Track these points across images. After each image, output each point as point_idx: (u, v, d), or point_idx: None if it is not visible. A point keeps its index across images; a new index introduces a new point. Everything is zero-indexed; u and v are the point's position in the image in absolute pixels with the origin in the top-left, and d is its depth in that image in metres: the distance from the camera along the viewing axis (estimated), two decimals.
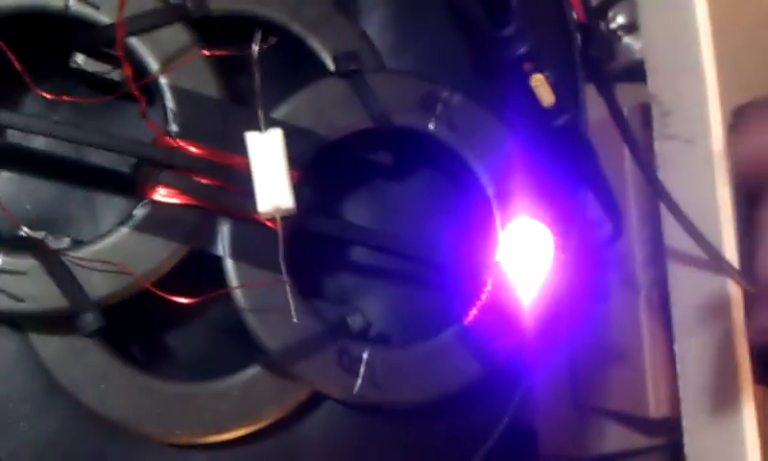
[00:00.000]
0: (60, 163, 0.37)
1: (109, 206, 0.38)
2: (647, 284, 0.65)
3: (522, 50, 0.38)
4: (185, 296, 0.35)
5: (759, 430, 0.55)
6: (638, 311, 0.65)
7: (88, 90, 0.37)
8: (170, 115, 0.36)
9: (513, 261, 0.36)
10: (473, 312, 0.39)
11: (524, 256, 0.36)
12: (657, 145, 0.60)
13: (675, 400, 0.61)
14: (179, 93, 0.36)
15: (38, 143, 0.37)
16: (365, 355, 0.37)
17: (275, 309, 0.36)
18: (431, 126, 0.38)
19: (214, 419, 0.37)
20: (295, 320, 0.35)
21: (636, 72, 0.64)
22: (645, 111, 0.63)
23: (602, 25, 0.76)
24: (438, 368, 0.38)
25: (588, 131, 0.42)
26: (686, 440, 0.58)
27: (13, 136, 0.37)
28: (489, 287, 0.39)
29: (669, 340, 0.61)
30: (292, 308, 0.34)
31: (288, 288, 0.34)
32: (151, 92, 0.36)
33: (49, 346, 0.36)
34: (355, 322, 0.38)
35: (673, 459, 0.65)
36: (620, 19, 0.75)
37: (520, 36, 0.38)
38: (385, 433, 0.41)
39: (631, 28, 0.71)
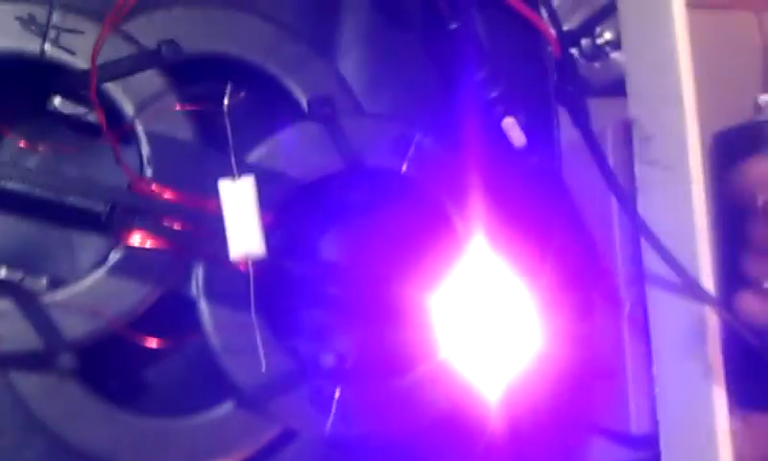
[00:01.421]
0: (38, 205, 0.38)
1: (87, 244, 0.39)
2: (630, 302, 0.65)
3: (494, 93, 0.38)
4: (159, 335, 0.36)
5: (732, 453, 0.56)
6: (621, 329, 0.65)
7: (66, 132, 0.38)
8: (145, 160, 0.36)
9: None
10: (444, 350, 0.39)
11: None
12: (637, 169, 0.60)
13: (656, 417, 0.62)
14: (153, 138, 0.36)
15: (17, 186, 0.37)
16: (336, 393, 0.38)
17: (247, 349, 0.37)
18: (403, 167, 0.39)
19: (189, 454, 0.38)
20: (263, 370, 0.35)
21: (622, 87, 0.64)
22: (629, 129, 0.64)
23: (588, 40, 0.76)
24: (409, 405, 0.39)
25: (560, 168, 0.43)
26: (663, 453, 0.59)
27: None
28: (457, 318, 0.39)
29: (651, 357, 0.61)
30: (261, 358, 0.35)
31: (258, 337, 0.35)
32: (127, 135, 0.37)
33: (27, 382, 0.36)
34: (327, 360, 0.39)
35: None
36: (607, 35, 0.76)
37: (493, 80, 0.38)
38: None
39: (617, 44, 0.71)
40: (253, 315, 0.35)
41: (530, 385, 0.72)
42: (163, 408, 0.39)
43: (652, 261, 0.60)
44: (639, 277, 0.63)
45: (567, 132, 0.46)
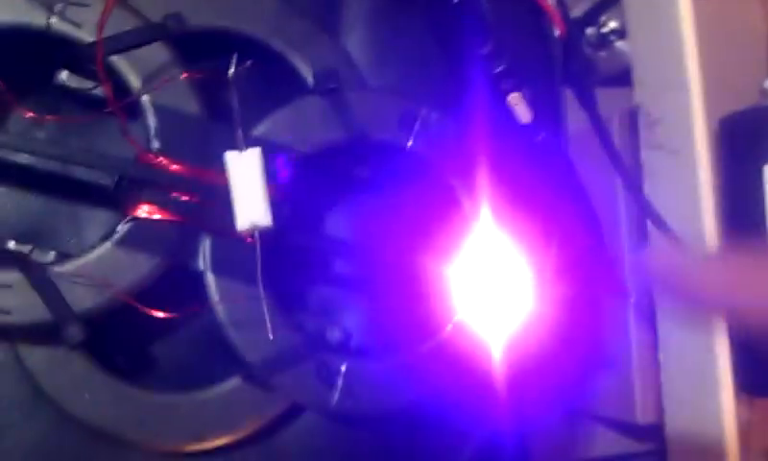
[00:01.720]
0: (46, 179, 0.38)
1: (94, 219, 0.39)
2: (636, 291, 0.65)
3: (499, 68, 0.38)
4: (167, 309, 0.36)
5: (739, 440, 0.56)
6: (627, 318, 0.65)
7: (73, 106, 0.38)
8: (151, 132, 0.36)
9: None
10: (450, 327, 0.39)
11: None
12: (643, 154, 0.60)
13: (662, 407, 0.62)
14: (160, 111, 0.36)
15: (25, 159, 0.38)
16: (343, 368, 0.38)
17: (254, 323, 0.37)
18: (409, 143, 0.39)
19: (195, 428, 0.38)
20: (271, 337, 0.35)
21: (627, 76, 0.65)
22: (635, 116, 0.64)
23: (594, 29, 0.76)
24: (413, 381, 0.39)
25: (567, 145, 0.43)
26: (669, 449, 0.59)
27: (1, 152, 0.37)
28: (465, 303, 0.39)
29: (657, 347, 0.61)
30: (268, 326, 0.35)
31: (265, 306, 0.35)
32: (133, 108, 0.37)
33: (35, 356, 0.37)
34: (334, 335, 0.39)
35: None
36: (612, 24, 0.75)
37: (497, 55, 0.39)
38: (363, 444, 0.42)
39: (622, 33, 0.71)
40: (260, 285, 0.35)
41: (535, 373, 0.72)
42: (170, 383, 0.39)
43: (658, 244, 0.59)
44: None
45: (572, 123, 0.45)
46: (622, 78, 0.66)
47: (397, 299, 0.41)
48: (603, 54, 0.77)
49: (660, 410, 0.62)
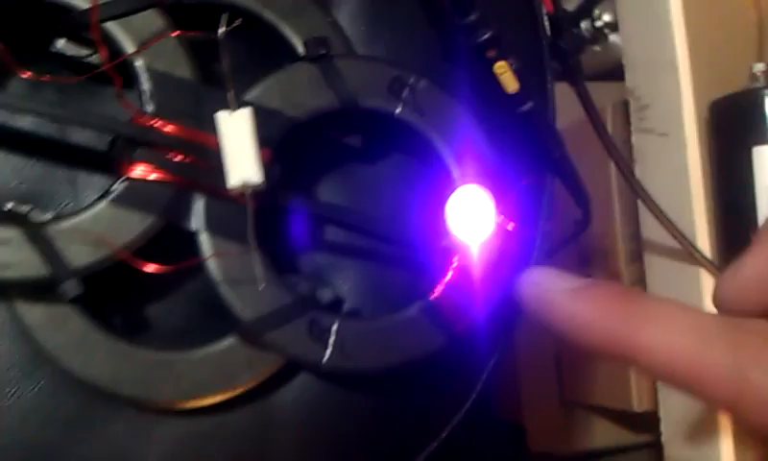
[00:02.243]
0: (43, 143, 0.39)
1: (90, 183, 0.40)
2: (630, 281, 0.66)
3: (486, 36, 0.40)
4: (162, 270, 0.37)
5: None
6: None
7: (69, 75, 0.39)
8: (145, 96, 0.38)
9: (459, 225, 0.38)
10: (439, 288, 0.40)
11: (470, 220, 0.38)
12: (633, 138, 0.62)
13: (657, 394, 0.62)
14: (153, 75, 0.38)
15: (23, 123, 0.39)
16: (334, 326, 0.39)
17: (246, 281, 0.38)
18: (398, 110, 0.40)
19: (191, 385, 0.39)
20: (262, 287, 0.36)
21: (621, 70, 0.66)
22: (628, 108, 0.65)
23: (587, 23, 0.78)
24: (404, 339, 0.40)
25: (554, 118, 0.44)
26: (664, 435, 0.60)
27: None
28: (454, 264, 0.40)
29: None
30: (258, 275, 0.36)
31: (256, 257, 0.36)
32: (128, 76, 0.38)
33: (33, 313, 0.38)
34: (325, 295, 0.40)
35: (658, 456, 0.67)
36: (606, 17, 0.77)
37: (484, 22, 0.40)
38: (357, 404, 0.43)
39: (616, 26, 0.72)
40: (252, 239, 0.36)
41: (527, 361, 0.73)
42: (165, 342, 0.40)
43: (650, 229, 0.61)
44: (640, 255, 0.64)
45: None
46: (616, 72, 0.67)
47: (387, 262, 0.42)
48: (597, 48, 0.79)
49: (655, 399, 0.63)
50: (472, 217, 0.38)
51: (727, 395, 0.29)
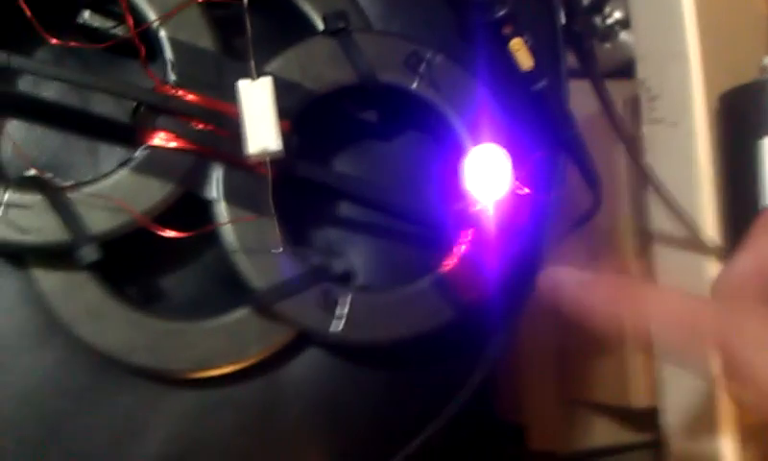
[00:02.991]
0: (66, 113, 0.40)
1: (111, 154, 0.40)
2: (638, 275, 0.66)
3: (502, 12, 0.40)
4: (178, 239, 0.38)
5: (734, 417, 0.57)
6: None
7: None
8: (168, 66, 0.38)
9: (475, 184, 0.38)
10: (451, 260, 0.40)
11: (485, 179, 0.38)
12: (644, 129, 0.62)
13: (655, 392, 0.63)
14: (176, 45, 0.38)
15: (47, 93, 0.39)
16: (346, 298, 0.39)
17: (261, 250, 0.39)
18: (414, 84, 0.40)
19: (203, 355, 0.39)
20: (281, 249, 0.37)
21: (631, 68, 0.66)
22: (638, 105, 0.65)
23: (599, 20, 0.78)
24: (415, 311, 0.40)
25: (568, 98, 0.44)
26: (663, 431, 0.60)
27: (24, 86, 0.39)
28: (467, 237, 0.41)
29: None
30: (278, 238, 0.36)
31: (275, 222, 0.36)
32: (152, 49, 0.38)
33: (49, 281, 0.38)
34: (338, 266, 0.40)
35: (659, 455, 0.67)
36: (617, 15, 0.77)
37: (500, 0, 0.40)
38: (366, 377, 0.43)
39: (627, 23, 0.73)
40: (271, 205, 0.36)
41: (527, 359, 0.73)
42: (179, 311, 0.41)
43: (659, 223, 0.61)
44: (647, 250, 0.65)
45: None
46: (627, 70, 0.67)
47: (400, 236, 0.43)
48: (608, 45, 0.79)
49: (654, 395, 0.63)
50: (488, 176, 0.38)
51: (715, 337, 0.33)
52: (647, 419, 0.66)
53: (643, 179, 0.55)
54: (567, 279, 0.39)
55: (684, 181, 0.58)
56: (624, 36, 0.76)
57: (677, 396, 0.60)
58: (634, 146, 0.52)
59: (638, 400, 0.65)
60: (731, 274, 0.37)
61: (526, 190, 0.39)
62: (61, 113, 0.40)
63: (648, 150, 0.62)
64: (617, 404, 0.68)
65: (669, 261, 0.61)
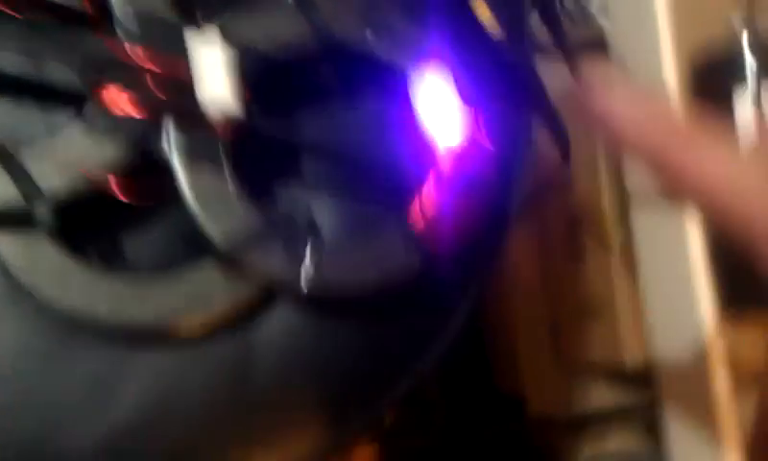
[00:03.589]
0: (15, 80, 0.39)
1: (64, 118, 0.40)
2: (618, 240, 0.66)
3: None
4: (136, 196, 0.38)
5: (726, 361, 0.56)
6: (611, 268, 0.66)
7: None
8: (119, 24, 0.38)
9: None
10: (415, 209, 0.40)
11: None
12: None
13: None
14: (126, 3, 0.38)
15: None
16: (310, 247, 0.39)
17: (221, 205, 0.38)
18: (373, 43, 0.40)
19: (169, 311, 0.39)
20: (241, 202, 0.36)
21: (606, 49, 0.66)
22: None
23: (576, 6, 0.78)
24: (382, 261, 0.40)
25: (534, 56, 0.44)
26: (658, 388, 0.60)
27: None
28: (432, 188, 0.40)
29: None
30: (237, 191, 0.36)
31: (232, 175, 0.36)
32: (103, 8, 0.38)
33: (7, 246, 0.38)
34: (301, 217, 0.40)
35: (657, 415, 0.66)
36: (596, 1, 0.77)
37: None
38: (339, 333, 0.43)
39: (607, 9, 0.72)
40: (225, 154, 0.36)
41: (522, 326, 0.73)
42: (142, 271, 0.40)
43: (637, 183, 0.61)
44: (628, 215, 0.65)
45: None
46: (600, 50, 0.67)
47: (365, 189, 0.42)
48: (582, 27, 0.78)
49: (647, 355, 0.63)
50: (440, 110, 0.38)
51: (761, 223, 0.30)
52: (645, 379, 0.66)
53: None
54: (623, 104, 0.37)
55: None
56: (604, 22, 0.76)
57: (668, 351, 0.60)
58: None
59: (633, 359, 0.65)
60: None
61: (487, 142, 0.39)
62: (12, 81, 0.39)
63: None
64: (613, 366, 0.67)
65: (649, 226, 0.61)
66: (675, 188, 0.37)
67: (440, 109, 0.39)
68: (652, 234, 0.59)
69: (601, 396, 0.75)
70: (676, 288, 0.59)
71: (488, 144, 0.40)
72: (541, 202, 0.51)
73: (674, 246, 0.58)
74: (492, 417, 0.81)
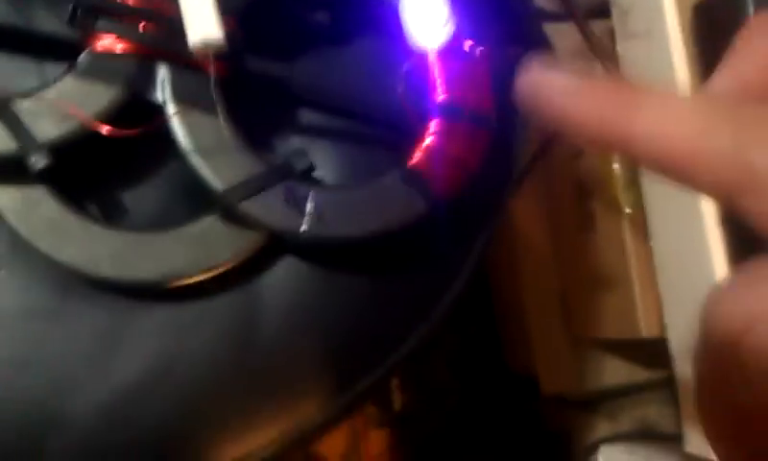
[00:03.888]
0: (7, 32, 0.39)
1: (56, 70, 0.40)
2: (629, 206, 0.65)
3: None
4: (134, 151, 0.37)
5: None
6: (623, 234, 0.65)
7: None
8: None
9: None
10: (415, 153, 0.40)
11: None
12: (618, 48, 0.61)
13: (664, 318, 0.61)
14: None
15: None
16: (310, 194, 0.38)
17: (218, 151, 0.38)
18: None
19: (172, 265, 0.39)
20: (231, 138, 0.36)
21: (604, 9, 0.65)
22: (611, 38, 0.65)
23: None
24: (383, 206, 0.39)
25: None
26: (673, 359, 0.59)
27: None
28: (430, 131, 0.40)
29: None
30: (234, 137, 0.36)
31: (226, 119, 0.36)
32: None
33: (5, 197, 0.37)
34: (300, 163, 0.39)
35: (672, 392, 0.65)
36: None
37: None
38: (344, 285, 0.42)
39: None
40: (217, 97, 0.36)
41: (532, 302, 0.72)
42: (141, 223, 0.40)
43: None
44: (636, 179, 0.64)
45: None
46: (603, 12, 0.67)
47: (364, 134, 0.42)
48: None
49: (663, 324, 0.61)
50: (426, 17, 0.37)
51: (727, 182, 0.28)
52: (661, 353, 0.64)
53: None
54: (551, 85, 0.35)
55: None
56: None
57: (683, 321, 0.59)
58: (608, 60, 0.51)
59: (648, 329, 0.64)
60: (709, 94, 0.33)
61: (479, 49, 0.38)
62: (3, 33, 0.39)
63: (625, 67, 0.61)
64: (628, 338, 0.66)
65: (660, 190, 0.60)
66: (633, 160, 0.35)
67: (423, 30, 0.38)
68: (663, 198, 0.58)
69: (616, 372, 0.73)
70: (690, 254, 0.58)
71: (490, 82, 0.39)
72: (546, 156, 0.50)
73: (687, 209, 0.57)
74: (505, 398, 0.80)
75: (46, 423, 0.38)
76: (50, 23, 0.38)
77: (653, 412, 0.73)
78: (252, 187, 0.38)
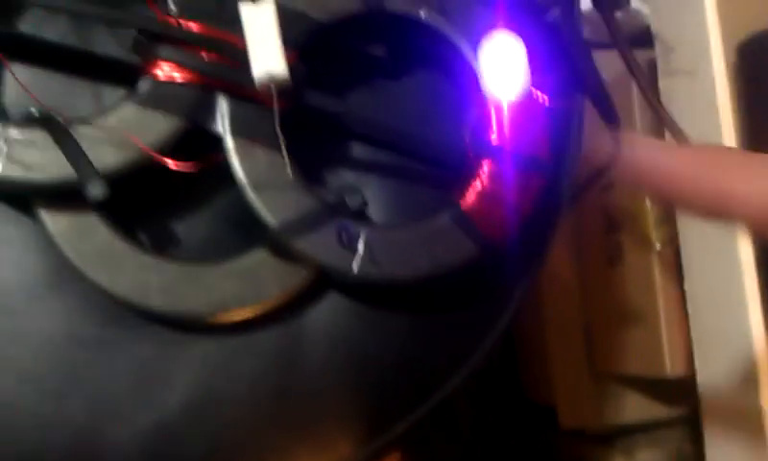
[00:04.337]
0: (68, 53, 0.38)
1: (115, 94, 0.39)
2: (660, 242, 0.65)
3: None
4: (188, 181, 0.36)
5: None
6: (652, 270, 0.65)
7: None
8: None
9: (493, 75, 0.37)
10: (469, 195, 0.39)
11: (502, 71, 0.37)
12: (661, 84, 0.61)
13: (691, 360, 0.61)
14: None
15: (49, 33, 0.38)
16: (363, 233, 0.38)
17: (274, 186, 0.37)
18: (423, 13, 0.39)
19: (220, 298, 0.38)
20: (290, 174, 0.36)
21: (646, 39, 0.65)
22: (652, 69, 0.64)
23: None
24: (434, 247, 0.39)
25: (581, 27, 0.43)
26: (701, 400, 0.58)
27: (26, 27, 0.38)
28: (486, 171, 0.39)
29: (683, 298, 0.61)
30: (290, 171, 0.35)
31: (285, 153, 0.35)
32: None
33: (58, 224, 0.37)
34: (353, 201, 0.39)
35: (694, 430, 0.65)
36: None
37: None
38: (389, 323, 0.42)
39: None
40: (279, 135, 0.35)
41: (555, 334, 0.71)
42: (192, 256, 0.39)
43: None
44: (668, 216, 0.63)
45: None
46: (640, 41, 0.66)
47: (417, 171, 0.41)
48: (619, 14, 0.78)
49: (689, 364, 0.61)
50: (504, 68, 0.37)
51: None
52: (682, 391, 0.64)
53: (662, 124, 0.53)
54: (650, 149, 0.35)
55: (704, 130, 0.57)
56: (636, 4, 0.75)
57: (715, 363, 0.58)
58: (649, 89, 0.51)
59: (674, 368, 0.63)
60: None
61: (545, 99, 0.37)
62: (64, 54, 0.38)
63: (666, 104, 0.60)
64: (651, 376, 0.66)
65: (696, 226, 0.59)
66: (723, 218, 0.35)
67: (496, 48, 0.37)
68: (699, 235, 0.58)
69: (636, 408, 0.73)
70: (724, 295, 0.57)
71: (545, 127, 0.39)
72: (583, 198, 0.50)
73: (723, 251, 0.56)
74: (521, 428, 0.79)
75: (87, 452, 0.38)
76: (110, 47, 0.38)
77: (670, 449, 0.73)
78: (306, 224, 0.37)
